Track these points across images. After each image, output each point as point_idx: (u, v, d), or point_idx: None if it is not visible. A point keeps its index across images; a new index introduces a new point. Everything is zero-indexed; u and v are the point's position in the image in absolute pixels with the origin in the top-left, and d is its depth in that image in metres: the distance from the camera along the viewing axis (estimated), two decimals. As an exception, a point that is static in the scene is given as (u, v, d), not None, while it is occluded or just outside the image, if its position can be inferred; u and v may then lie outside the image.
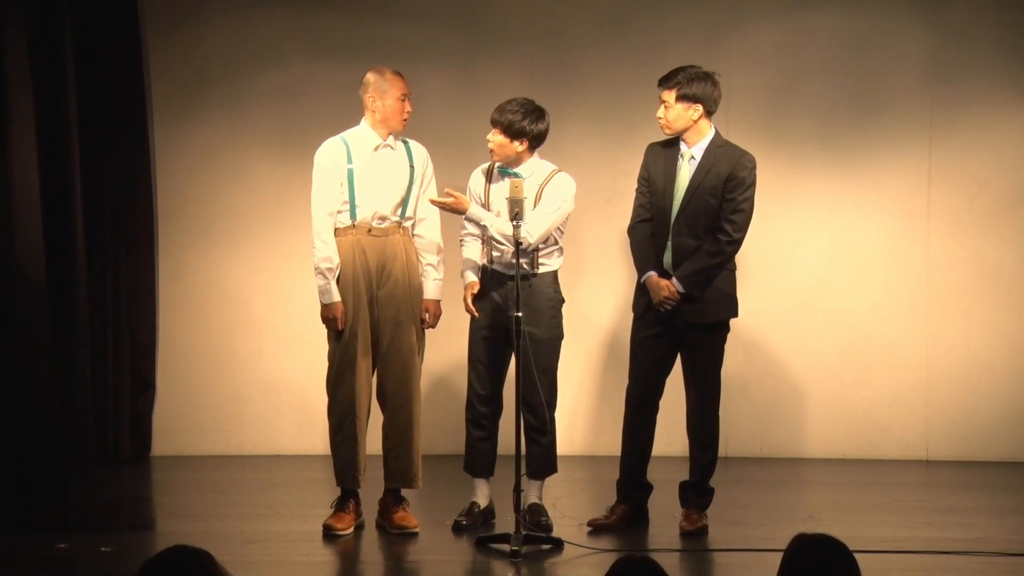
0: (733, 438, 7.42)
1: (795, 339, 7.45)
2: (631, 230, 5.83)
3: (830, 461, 7.35)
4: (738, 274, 7.36)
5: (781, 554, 2.98)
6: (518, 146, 5.74)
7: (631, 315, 5.88)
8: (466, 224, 5.83)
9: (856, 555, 2.94)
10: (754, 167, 5.70)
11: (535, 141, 5.76)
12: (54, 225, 6.30)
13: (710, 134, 5.70)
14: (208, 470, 7.25)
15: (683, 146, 5.71)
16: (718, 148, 5.69)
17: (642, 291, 5.76)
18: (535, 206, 5.72)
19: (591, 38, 7.48)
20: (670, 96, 5.65)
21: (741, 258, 7.39)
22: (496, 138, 5.74)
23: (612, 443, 6.05)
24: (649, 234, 5.75)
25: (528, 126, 5.71)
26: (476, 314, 5.72)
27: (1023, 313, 7.35)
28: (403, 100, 5.73)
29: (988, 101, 7.34)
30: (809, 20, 7.43)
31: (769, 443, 7.47)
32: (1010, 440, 7.32)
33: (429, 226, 5.80)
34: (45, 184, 6.15)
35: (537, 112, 5.75)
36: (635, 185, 5.85)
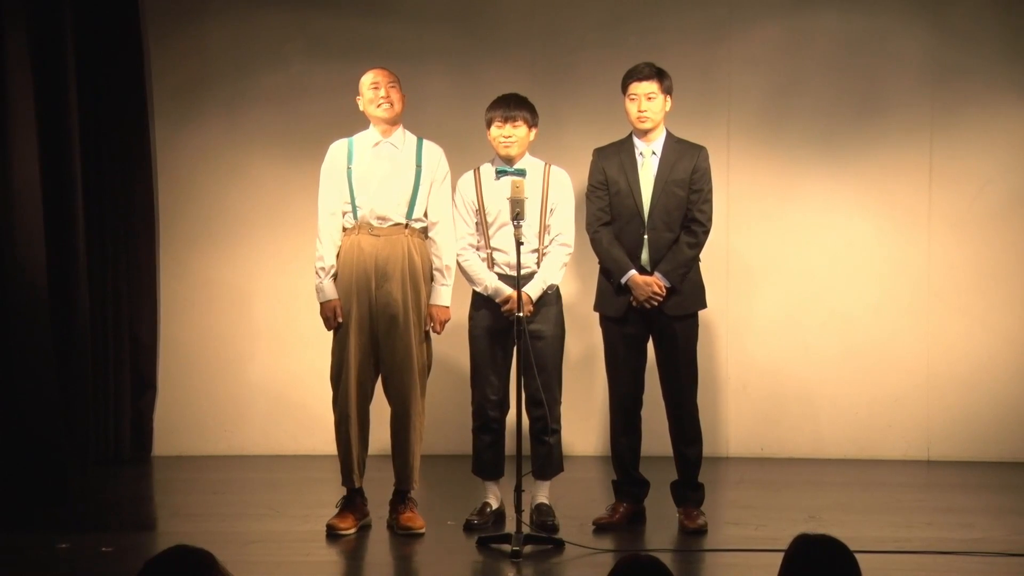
0: (733, 438, 7.43)
1: (796, 339, 7.46)
2: (596, 235, 5.84)
3: (831, 461, 7.35)
4: (740, 273, 7.44)
5: (782, 554, 2.98)
6: (531, 135, 5.82)
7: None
8: (464, 235, 5.83)
9: (857, 555, 2.94)
10: (708, 157, 5.90)
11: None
12: (55, 225, 6.31)
13: (665, 129, 5.83)
14: (209, 470, 7.25)
15: (640, 143, 5.81)
16: (676, 143, 5.84)
17: (617, 292, 5.78)
18: (543, 203, 5.75)
19: (591, 38, 7.48)
20: (654, 87, 5.75)
21: (743, 257, 7.43)
22: (519, 131, 5.76)
23: (606, 442, 6.08)
24: (615, 236, 5.78)
25: (536, 117, 5.84)
26: (531, 310, 5.70)
27: (1024, 313, 7.37)
28: (375, 88, 5.73)
29: (989, 101, 7.34)
30: (810, 20, 7.43)
31: (770, 443, 7.47)
32: (1011, 440, 7.32)
33: (441, 230, 5.75)
34: (46, 184, 6.16)
35: None
36: None
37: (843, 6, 7.42)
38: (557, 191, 5.80)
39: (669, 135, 5.84)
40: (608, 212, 5.82)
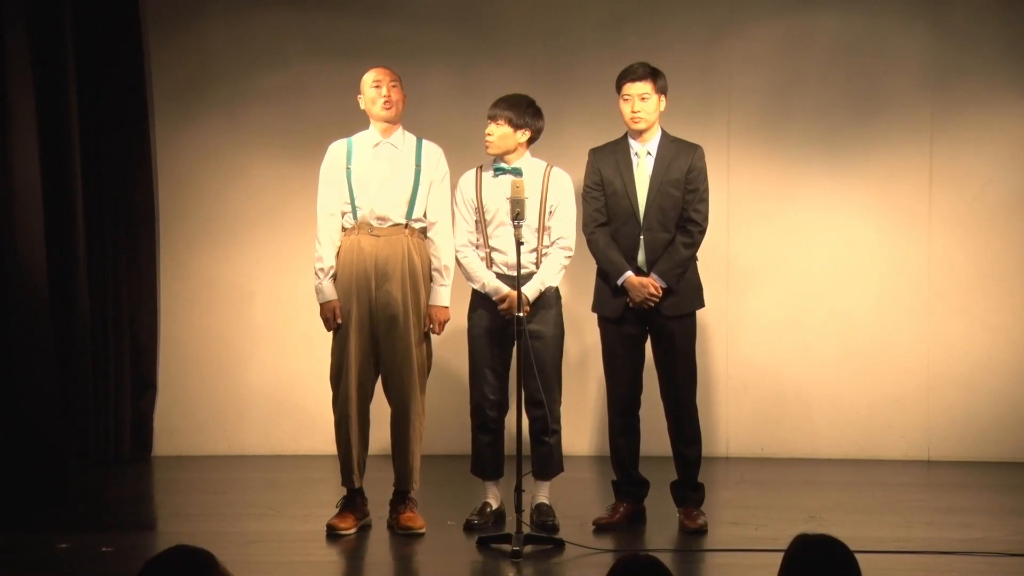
0: (734, 438, 7.43)
1: (796, 339, 7.45)
2: (592, 236, 5.84)
3: (831, 461, 7.35)
4: (740, 274, 7.44)
5: (782, 554, 2.98)
6: (519, 136, 5.76)
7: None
8: (458, 234, 5.83)
9: (857, 555, 2.94)
10: (704, 156, 5.85)
11: (535, 135, 5.82)
12: (55, 225, 6.31)
13: (659, 129, 5.81)
14: (209, 470, 7.25)
15: (635, 144, 5.79)
16: (671, 143, 5.82)
17: (615, 293, 5.78)
18: (542, 204, 5.74)
19: (591, 38, 7.48)
20: (648, 88, 5.72)
21: (743, 258, 7.43)
22: (499, 129, 5.74)
23: (605, 442, 6.07)
24: (611, 237, 5.77)
25: (530, 119, 5.77)
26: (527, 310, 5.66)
27: (1024, 313, 7.37)
28: (376, 87, 5.72)
29: (989, 101, 7.34)
30: (810, 20, 7.43)
31: (770, 443, 7.47)
32: (1011, 440, 7.32)
33: (440, 230, 5.74)
34: (46, 184, 6.16)
35: (538, 109, 5.85)
36: None
37: (843, 6, 7.42)
38: (556, 192, 5.79)
39: (665, 134, 5.83)
40: (604, 213, 5.81)
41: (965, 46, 7.34)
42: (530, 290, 5.69)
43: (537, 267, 5.77)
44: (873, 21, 7.40)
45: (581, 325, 6.80)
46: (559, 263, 5.78)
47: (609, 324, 5.85)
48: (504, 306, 5.71)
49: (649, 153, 5.79)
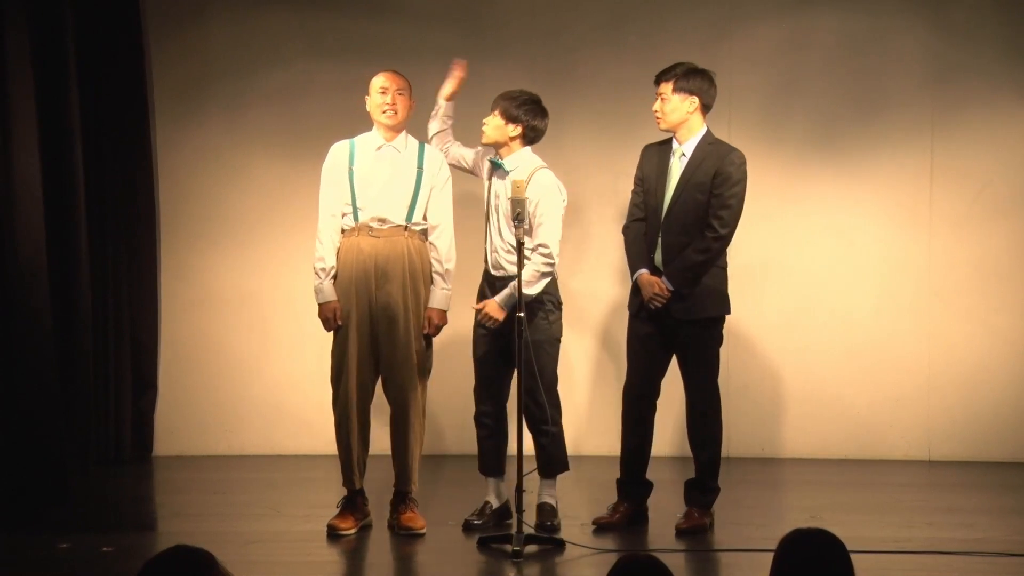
0: (735, 438, 7.41)
1: (797, 339, 7.45)
2: (625, 229, 5.89)
3: (832, 461, 7.35)
4: (740, 274, 7.40)
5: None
6: (511, 130, 5.72)
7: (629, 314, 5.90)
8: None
9: (858, 555, 2.94)
10: (743, 163, 5.73)
11: (529, 132, 5.75)
12: (56, 226, 6.31)
13: (702, 131, 5.74)
14: (209, 470, 7.25)
15: (675, 143, 5.76)
16: (708, 145, 5.73)
17: (636, 290, 5.78)
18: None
19: (591, 38, 7.48)
20: (667, 88, 5.69)
21: (743, 258, 7.41)
22: (493, 120, 5.74)
23: (614, 443, 6.04)
24: (642, 233, 5.77)
25: (524, 115, 5.72)
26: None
27: (1024, 313, 7.36)
28: (383, 93, 5.72)
29: (990, 101, 7.34)
30: (810, 20, 7.43)
31: (771, 443, 7.47)
32: (1012, 440, 7.32)
33: (440, 234, 5.72)
34: (47, 185, 6.16)
35: (539, 108, 5.79)
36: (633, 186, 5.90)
37: (843, 6, 7.42)
38: (534, 194, 5.65)
39: (707, 136, 5.73)
40: (643, 208, 5.80)
41: (966, 46, 7.34)
42: (499, 295, 5.67)
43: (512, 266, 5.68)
44: (873, 21, 7.40)
45: (596, 323, 6.79)
46: (535, 269, 5.64)
47: (632, 319, 5.86)
48: (481, 316, 5.70)
49: (684, 154, 5.73)
